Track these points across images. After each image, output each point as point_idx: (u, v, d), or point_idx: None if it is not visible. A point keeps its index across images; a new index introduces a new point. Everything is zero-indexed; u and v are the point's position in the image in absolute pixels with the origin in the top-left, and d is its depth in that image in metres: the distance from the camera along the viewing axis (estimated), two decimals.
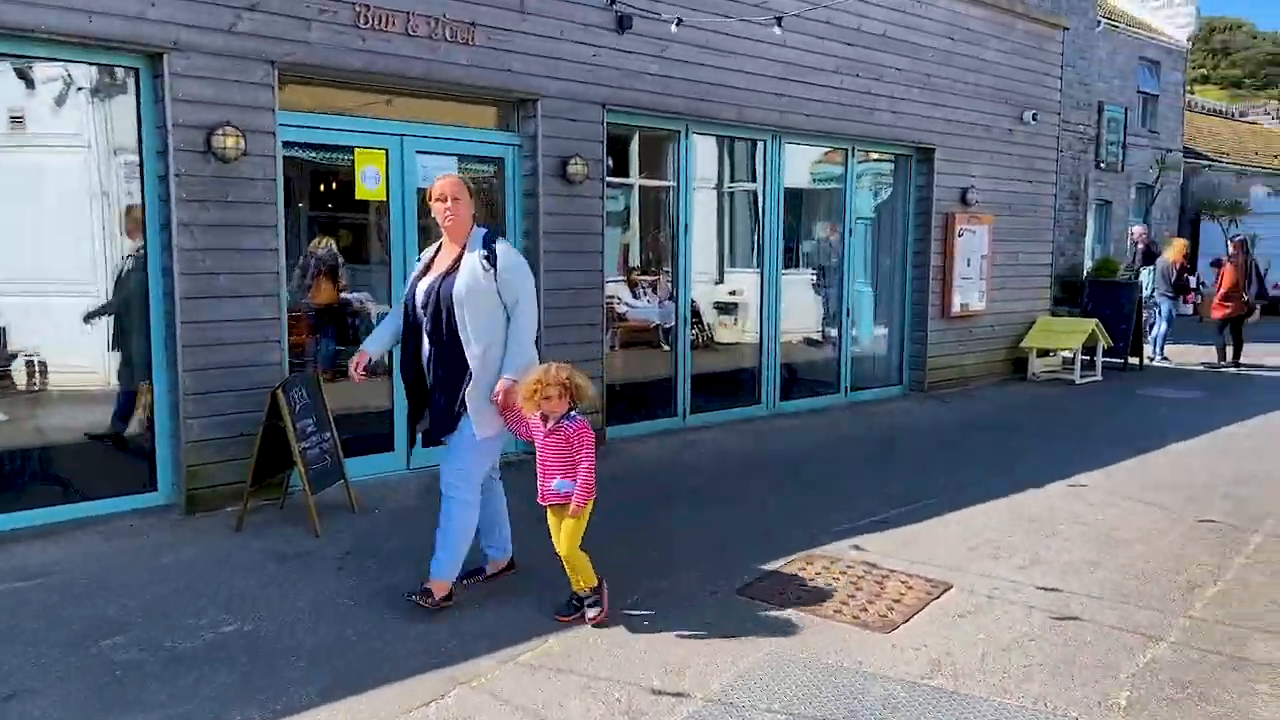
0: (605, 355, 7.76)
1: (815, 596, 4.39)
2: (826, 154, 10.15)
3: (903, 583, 4.56)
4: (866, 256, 10.44)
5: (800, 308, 10.45)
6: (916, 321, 10.33)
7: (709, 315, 11.29)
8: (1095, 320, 11.25)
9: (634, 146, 10.99)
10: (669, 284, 10.59)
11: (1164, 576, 4.68)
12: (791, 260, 10.74)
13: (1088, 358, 11.51)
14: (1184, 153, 25.48)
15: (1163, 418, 9.07)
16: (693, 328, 11.72)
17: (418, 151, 6.78)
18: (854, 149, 9.67)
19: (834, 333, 10.10)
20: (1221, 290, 12.80)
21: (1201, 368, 12.98)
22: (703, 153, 11.50)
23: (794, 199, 10.70)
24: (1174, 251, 13.54)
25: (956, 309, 10.44)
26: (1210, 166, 27.07)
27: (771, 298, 9.20)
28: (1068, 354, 11.70)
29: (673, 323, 8.82)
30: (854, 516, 5.70)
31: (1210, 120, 32.32)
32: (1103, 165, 21.84)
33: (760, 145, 9.05)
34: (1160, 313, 13.50)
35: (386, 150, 6.61)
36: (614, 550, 5.03)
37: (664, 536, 5.33)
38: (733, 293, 11.53)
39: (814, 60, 8.85)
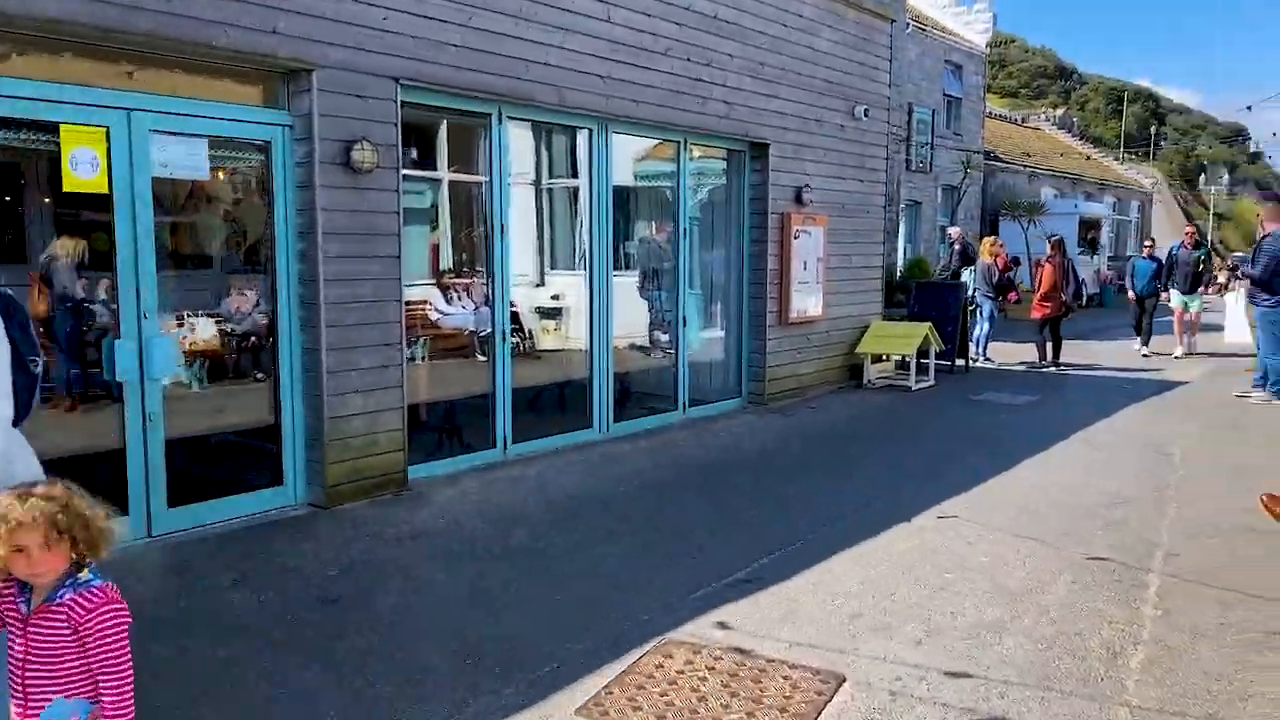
0: (406, 379, 6.47)
1: (681, 713, 3.37)
2: (656, 147, 9.27)
3: (786, 679, 3.62)
4: (701, 260, 9.63)
5: (632, 316, 9.53)
6: (755, 329, 9.60)
7: (531, 322, 10.27)
8: (929, 324, 10.92)
9: (442, 135, 9.74)
10: (485, 288, 9.52)
11: (1078, 642, 3.97)
12: (620, 263, 9.87)
13: (921, 361, 11.18)
14: (984, 155, 26.54)
15: (1008, 427, 8.72)
16: (513, 335, 10.67)
17: (154, 131, 5.30)
18: (686, 141, 8.79)
19: (669, 342, 9.21)
20: (1041, 290, 12.86)
21: (1023, 368, 13.03)
22: (521, 143, 10.41)
23: (623, 197, 9.80)
24: (986, 251, 13.56)
25: (795, 315, 9.79)
26: (1006, 169, 28.39)
27: (602, 305, 8.16)
28: (898, 358, 11.34)
29: (490, 330, 7.66)
30: (713, 574, 4.75)
31: (999, 125, 34.12)
32: (913, 166, 22.28)
33: (585, 135, 7.99)
34: (982, 313, 13.48)
35: (107, 129, 5.10)
36: (409, 655, 3.84)
37: (476, 625, 4.18)
38: (555, 297, 10.58)
39: (643, 40, 7.89)
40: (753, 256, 9.56)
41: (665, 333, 9.45)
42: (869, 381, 10.90)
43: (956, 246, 17.20)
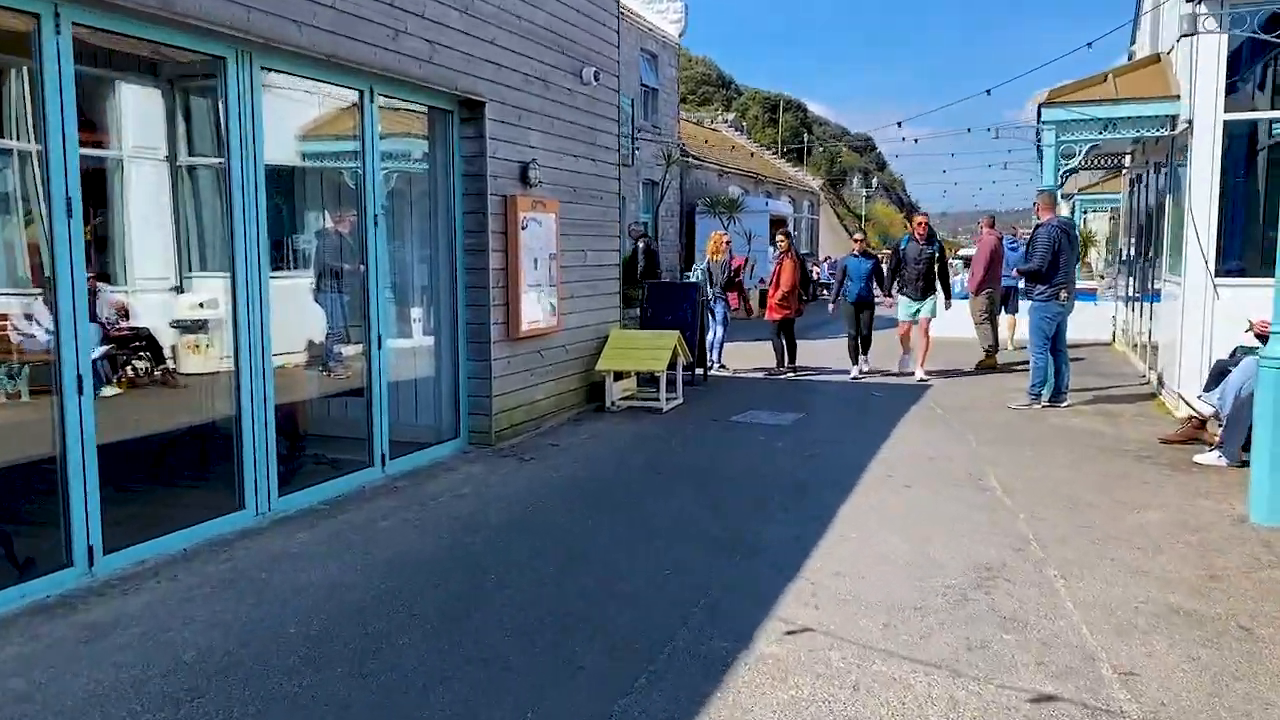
0: None
1: None
2: (337, 115, 6.79)
3: None
4: (402, 256, 7.23)
5: (304, 332, 6.98)
6: (476, 346, 7.33)
7: (171, 340, 7.54)
8: (677, 333, 9.23)
9: (19, 87, 6.66)
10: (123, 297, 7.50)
11: None
12: (291, 261, 7.34)
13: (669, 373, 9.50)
14: (680, 150, 25.93)
15: (793, 458, 7.16)
16: (134, 359, 7.82)
17: None
18: (373, 91, 6.33)
19: (357, 366, 6.73)
20: (781, 290, 11.71)
21: (761, 375, 11.84)
22: (148, 105, 7.60)
23: (290, 177, 7.26)
24: (715, 247, 12.21)
25: (527, 327, 7.64)
26: (699, 165, 28.11)
27: (253, 319, 5.51)
28: (643, 374, 9.58)
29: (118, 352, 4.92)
30: None
31: (684, 124, 34.16)
32: None
33: (222, 71, 5.29)
34: (714, 316, 12.10)
35: None
36: None
37: None
38: (202, 305, 7.86)
39: None
40: (470, 251, 7.28)
41: (361, 358, 6.99)
42: (612, 404, 9.01)
43: (640, 244, 15.83)
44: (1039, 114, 10.51)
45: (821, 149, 79.13)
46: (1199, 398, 7.27)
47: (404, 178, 7.39)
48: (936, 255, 11.15)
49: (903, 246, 11.41)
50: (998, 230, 12.86)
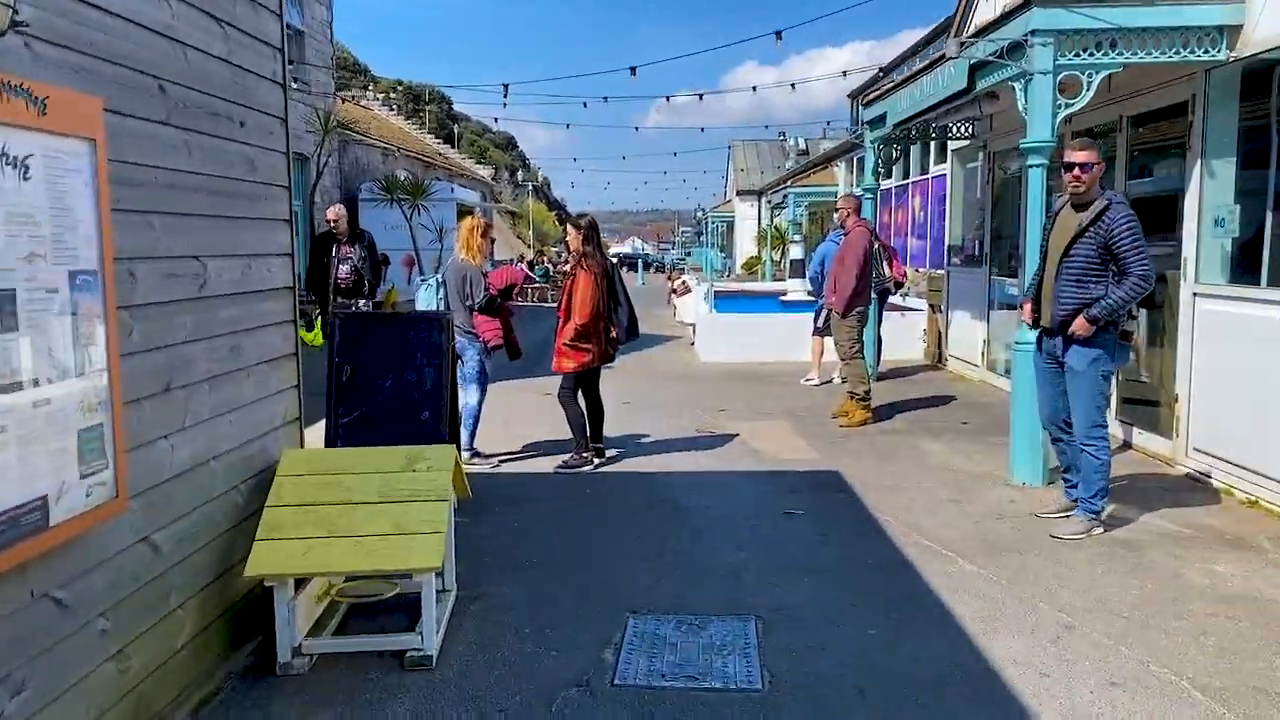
0: None
1: None
2: None
3: None
4: None
5: None
6: None
7: None
8: (453, 451, 3.90)
9: None
10: None
11: None
12: None
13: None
14: (338, 122, 19.77)
15: None
16: None
17: None
18: None
19: None
20: (571, 323, 6.68)
21: (551, 470, 6.81)
22: None
23: None
24: (468, 242, 6.94)
25: None
26: (361, 142, 22.13)
27: None
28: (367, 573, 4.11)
29: None
30: None
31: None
32: None
33: None
34: (465, 369, 6.82)
35: None
36: None
37: None
38: None
39: None
40: None
41: None
42: (297, 650, 3.50)
43: (331, 226, 10.25)
44: (1001, 19, 6.43)
45: (471, 144, 75.44)
46: None
47: None
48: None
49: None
50: (865, 220, 8.83)
